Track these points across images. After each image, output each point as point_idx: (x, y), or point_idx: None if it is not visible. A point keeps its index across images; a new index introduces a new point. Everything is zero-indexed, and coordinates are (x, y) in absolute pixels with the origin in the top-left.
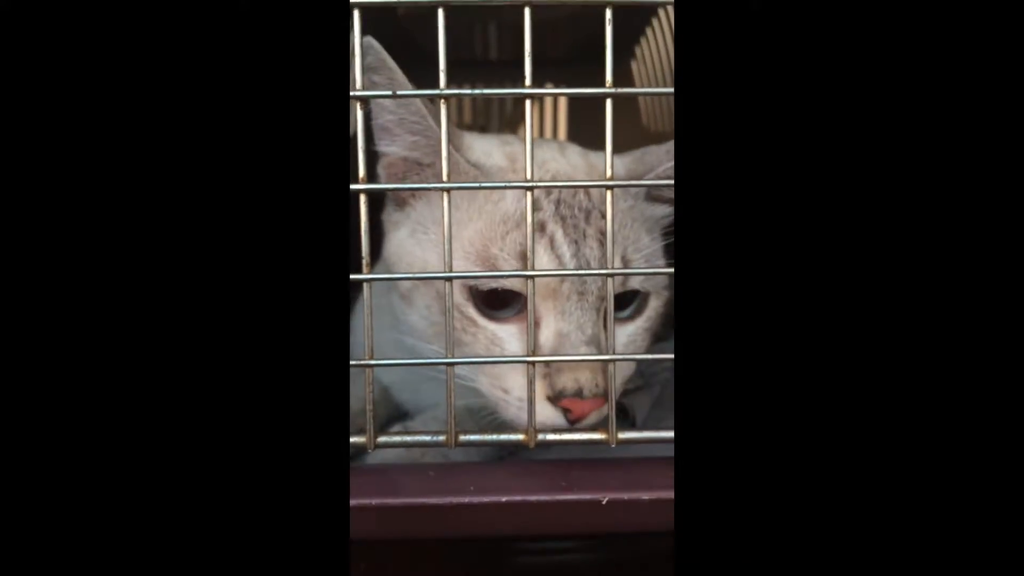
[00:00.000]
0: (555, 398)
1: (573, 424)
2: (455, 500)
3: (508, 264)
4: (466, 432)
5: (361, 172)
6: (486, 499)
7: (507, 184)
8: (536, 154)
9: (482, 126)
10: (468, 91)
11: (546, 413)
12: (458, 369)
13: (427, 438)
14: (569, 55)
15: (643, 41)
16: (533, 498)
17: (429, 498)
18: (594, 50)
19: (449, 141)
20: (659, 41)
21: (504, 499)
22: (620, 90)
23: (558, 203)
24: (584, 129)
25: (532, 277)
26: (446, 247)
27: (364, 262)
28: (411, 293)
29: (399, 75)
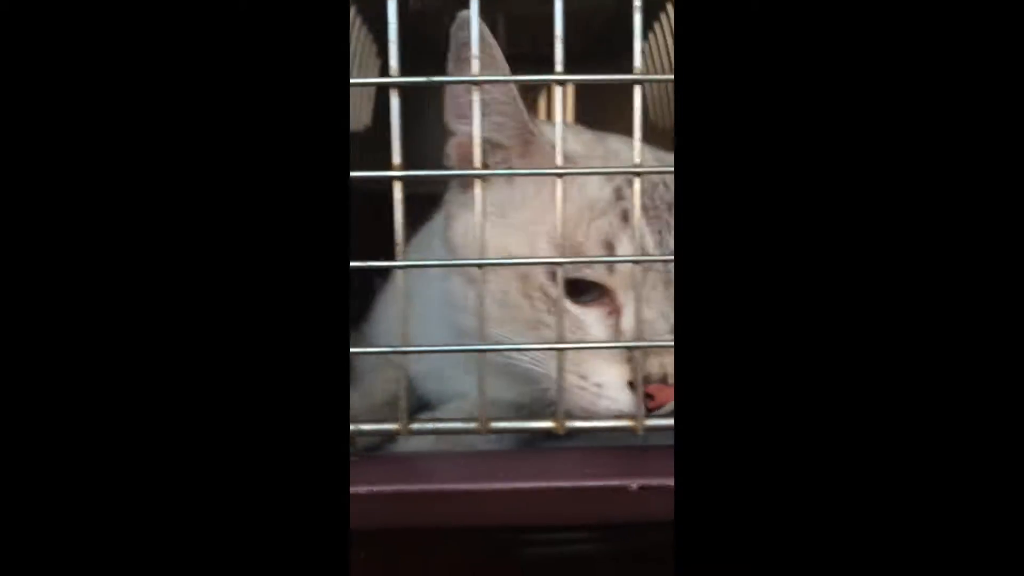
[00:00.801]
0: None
1: (651, 412)
2: (485, 486)
3: (593, 251)
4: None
5: (396, 159)
6: (518, 485)
7: (532, 172)
8: (611, 145)
9: None
10: (502, 78)
11: (625, 399)
12: (531, 354)
13: (458, 424)
14: (576, 52)
15: (649, 37)
16: (557, 484)
17: (461, 484)
18: (601, 47)
19: (531, 126)
20: (662, 40)
21: (531, 485)
22: (648, 76)
23: (641, 194)
24: (592, 124)
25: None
26: (474, 236)
27: (398, 248)
28: (485, 275)
29: (497, 51)
